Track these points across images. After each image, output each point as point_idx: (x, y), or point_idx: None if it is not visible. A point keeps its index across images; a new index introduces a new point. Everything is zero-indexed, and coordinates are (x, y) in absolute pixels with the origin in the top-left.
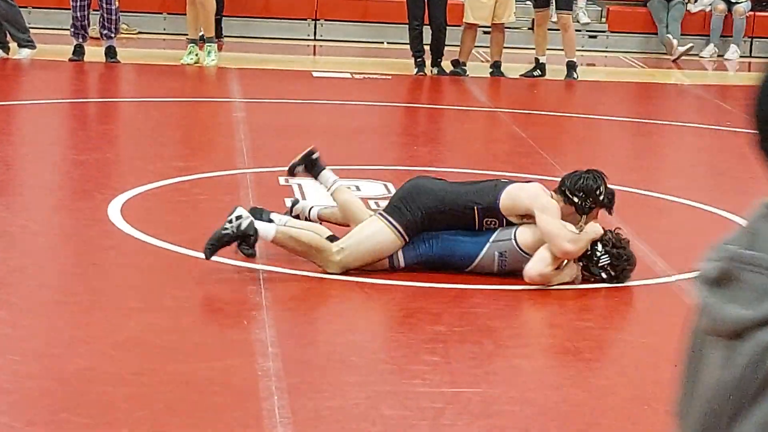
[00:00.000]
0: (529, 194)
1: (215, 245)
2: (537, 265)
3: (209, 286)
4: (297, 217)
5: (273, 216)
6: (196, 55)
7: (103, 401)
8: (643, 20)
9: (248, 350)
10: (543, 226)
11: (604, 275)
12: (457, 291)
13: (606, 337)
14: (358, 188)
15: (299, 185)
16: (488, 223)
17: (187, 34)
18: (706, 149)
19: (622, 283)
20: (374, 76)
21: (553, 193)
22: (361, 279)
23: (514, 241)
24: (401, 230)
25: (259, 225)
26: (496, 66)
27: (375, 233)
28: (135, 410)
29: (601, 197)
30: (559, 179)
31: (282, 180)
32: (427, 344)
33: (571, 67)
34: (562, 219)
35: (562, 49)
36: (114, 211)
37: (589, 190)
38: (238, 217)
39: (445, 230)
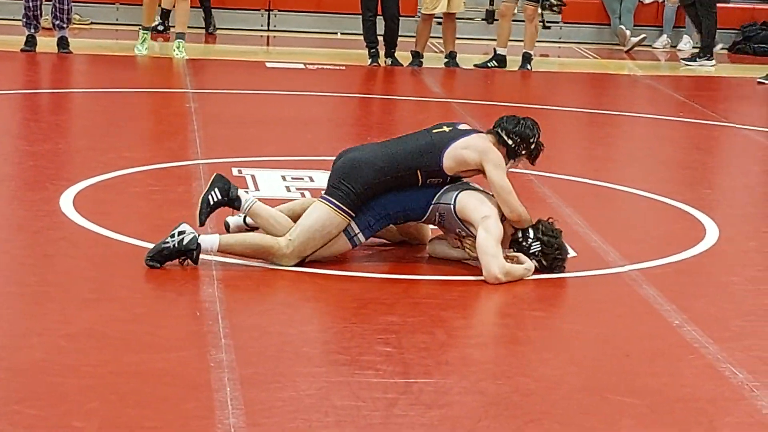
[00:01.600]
0: (477, 150)
1: (155, 258)
2: (491, 263)
3: (162, 278)
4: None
5: (240, 193)
6: (147, 43)
7: (56, 393)
8: (597, 11)
9: (201, 341)
10: (496, 182)
11: (535, 263)
12: (410, 282)
13: (558, 327)
14: (311, 179)
15: (252, 176)
16: (432, 182)
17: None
18: (659, 140)
19: (556, 273)
20: (328, 66)
21: (486, 134)
22: (314, 270)
23: (453, 210)
24: (345, 209)
25: (203, 239)
26: (451, 56)
27: (319, 217)
28: (87, 402)
29: (533, 146)
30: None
31: (235, 171)
32: (380, 335)
33: (527, 59)
34: None
35: (521, 40)
36: (66, 202)
37: (524, 137)
38: (181, 233)
39: (390, 192)
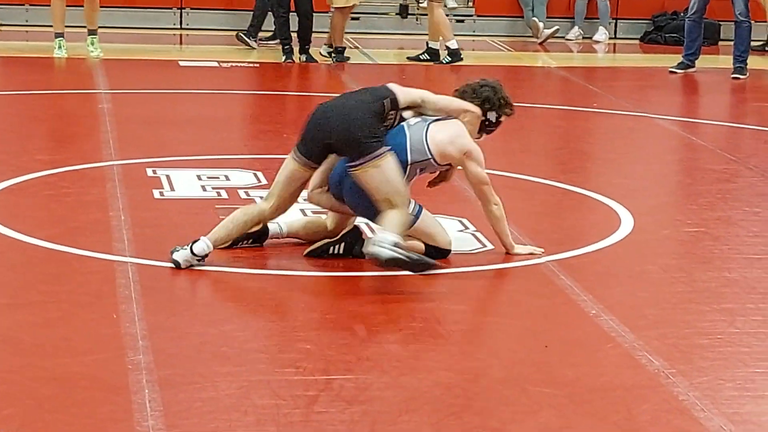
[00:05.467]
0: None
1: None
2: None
3: (78, 281)
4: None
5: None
6: (64, 48)
7: None
8: (510, 4)
9: (118, 344)
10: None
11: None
12: (329, 278)
13: (477, 320)
14: (227, 178)
15: (167, 176)
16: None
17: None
18: (573, 131)
19: (503, 117)
20: (242, 64)
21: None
22: (232, 269)
23: (434, 162)
24: (306, 158)
25: (195, 246)
26: (338, 51)
27: (284, 166)
28: (4, 407)
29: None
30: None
31: (150, 171)
32: (300, 332)
33: (432, 53)
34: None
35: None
36: None
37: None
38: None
39: None
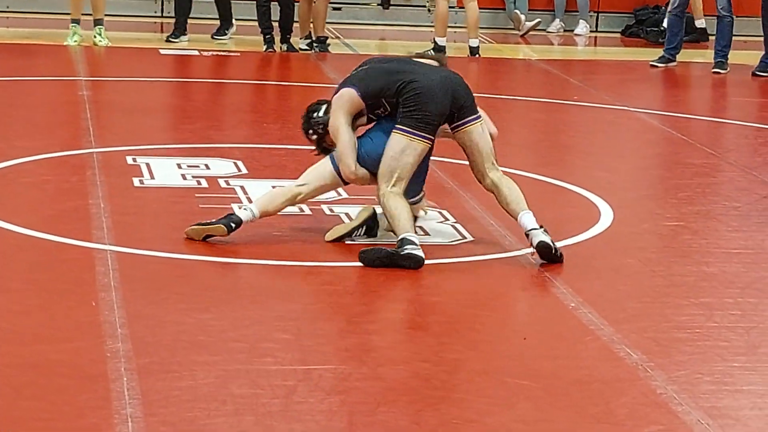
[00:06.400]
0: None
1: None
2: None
3: (57, 268)
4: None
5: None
6: (80, 35)
7: None
8: None
9: (97, 332)
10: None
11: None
12: (309, 268)
13: (455, 312)
14: (207, 166)
15: (147, 164)
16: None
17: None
18: (554, 124)
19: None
20: (222, 53)
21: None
22: (211, 258)
23: None
24: (434, 136)
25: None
26: (320, 41)
27: (414, 153)
28: None
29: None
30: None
31: (130, 159)
32: (278, 322)
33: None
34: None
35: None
36: None
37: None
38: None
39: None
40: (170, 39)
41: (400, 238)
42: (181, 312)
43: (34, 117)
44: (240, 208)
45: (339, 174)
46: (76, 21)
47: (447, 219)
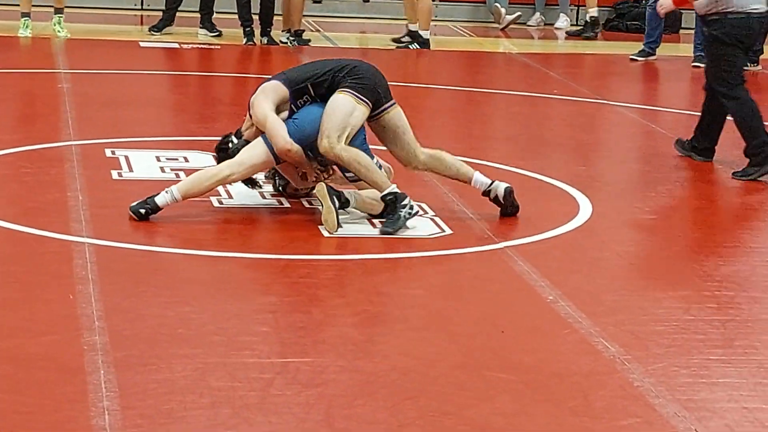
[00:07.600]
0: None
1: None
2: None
3: (35, 261)
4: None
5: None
6: (30, 27)
7: None
8: None
9: (74, 325)
10: None
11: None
12: (287, 261)
13: (434, 305)
14: (186, 159)
15: (126, 157)
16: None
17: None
18: (534, 117)
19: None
20: (203, 46)
21: None
22: (190, 251)
23: None
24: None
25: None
26: (297, 34)
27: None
28: None
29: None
30: None
31: (109, 152)
32: (256, 315)
33: (414, 36)
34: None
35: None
36: None
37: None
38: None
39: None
40: (153, 31)
41: (391, 192)
42: (160, 305)
43: (14, 109)
44: (164, 191)
45: (273, 152)
46: (27, 14)
47: (426, 212)
